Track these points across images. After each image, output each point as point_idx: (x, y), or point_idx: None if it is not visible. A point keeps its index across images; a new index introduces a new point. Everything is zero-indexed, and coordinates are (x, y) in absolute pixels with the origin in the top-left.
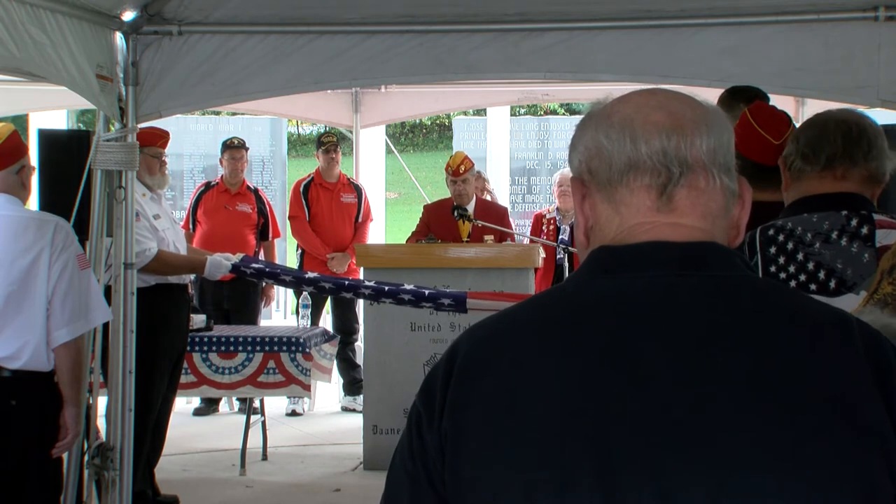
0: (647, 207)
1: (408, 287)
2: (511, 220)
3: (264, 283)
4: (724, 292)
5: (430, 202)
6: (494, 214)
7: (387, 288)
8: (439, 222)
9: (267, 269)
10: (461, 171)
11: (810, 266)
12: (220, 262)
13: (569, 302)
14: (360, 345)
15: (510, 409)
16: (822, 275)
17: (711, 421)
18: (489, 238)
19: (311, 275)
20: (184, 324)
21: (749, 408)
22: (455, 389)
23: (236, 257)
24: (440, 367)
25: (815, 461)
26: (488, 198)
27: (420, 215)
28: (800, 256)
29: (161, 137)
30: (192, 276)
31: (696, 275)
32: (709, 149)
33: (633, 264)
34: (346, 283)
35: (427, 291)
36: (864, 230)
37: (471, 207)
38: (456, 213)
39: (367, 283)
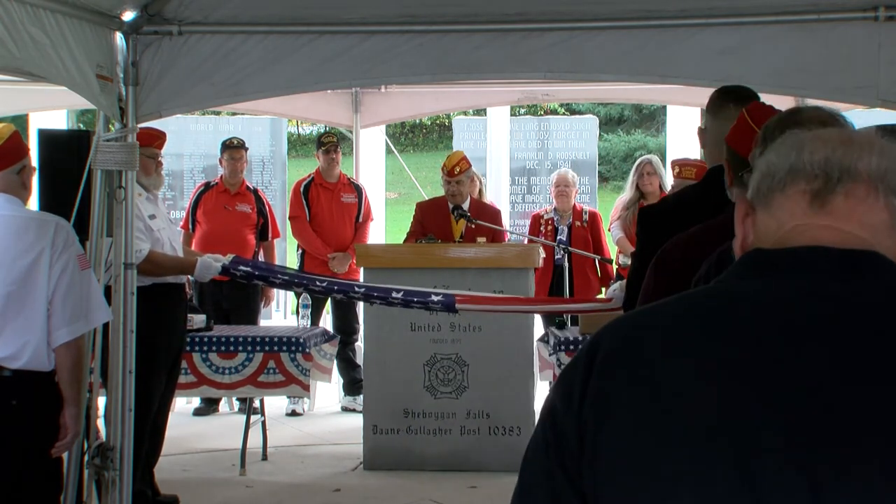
0: (801, 210)
1: (397, 294)
2: (511, 220)
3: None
4: (884, 302)
5: (422, 200)
6: (488, 215)
7: (376, 293)
8: (433, 220)
9: (256, 272)
10: (456, 172)
11: None
12: (210, 264)
13: (719, 300)
14: (360, 345)
15: (653, 403)
16: None
17: (867, 424)
18: (482, 239)
19: (301, 276)
20: (181, 323)
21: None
22: (597, 381)
23: (226, 259)
24: (580, 359)
25: None
26: (487, 200)
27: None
28: None
29: (157, 138)
30: (191, 277)
31: (855, 282)
32: (878, 167)
33: (789, 267)
34: (336, 285)
35: (416, 298)
36: None
37: (465, 208)
38: (456, 214)
39: (357, 285)
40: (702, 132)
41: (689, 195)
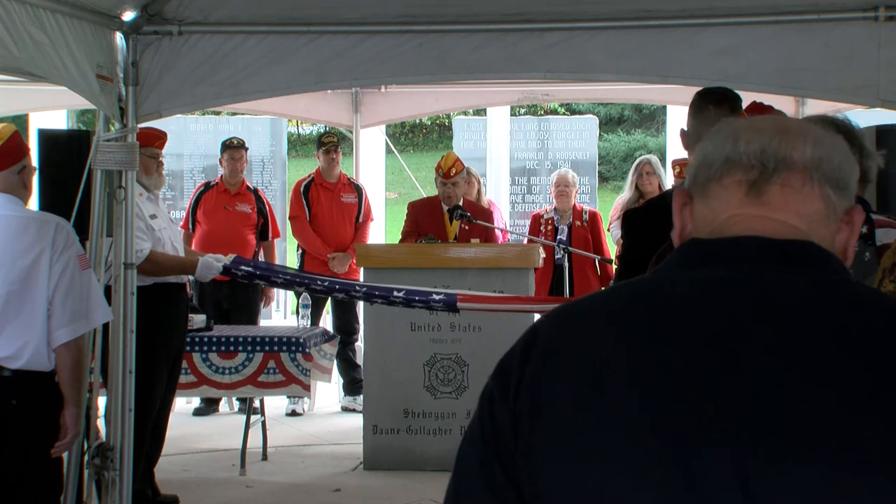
0: (737, 200)
1: (398, 293)
2: (511, 220)
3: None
4: (818, 292)
5: (414, 200)
6: (481, 215)
7: (377, 293)
8: (427, 220)
9: (258, 272)
10: (452, 174)
11: None
12: (212, 264)
13: (655, 291)
14: (360, 345)
15: (587, 395)
16: None
17: (798, 415)
18: (475, 240)
19: (302, 276)
20: (182, 323)
21: (838, 406)
22: (533, 368)
23: (228, 259)
24: (518, 347)
25: None
26: (486, 201)
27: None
28: None
29: (158, 138)
30: (192, 277)
31: (789, 272)
32: (813, 156)
33: (723, 257)
34: (338, 285)
35: (417, 297)
36: (864, 229)
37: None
38: (456, 214)
39: (358, 284)
40: (684, 134)
41: (672, 197)
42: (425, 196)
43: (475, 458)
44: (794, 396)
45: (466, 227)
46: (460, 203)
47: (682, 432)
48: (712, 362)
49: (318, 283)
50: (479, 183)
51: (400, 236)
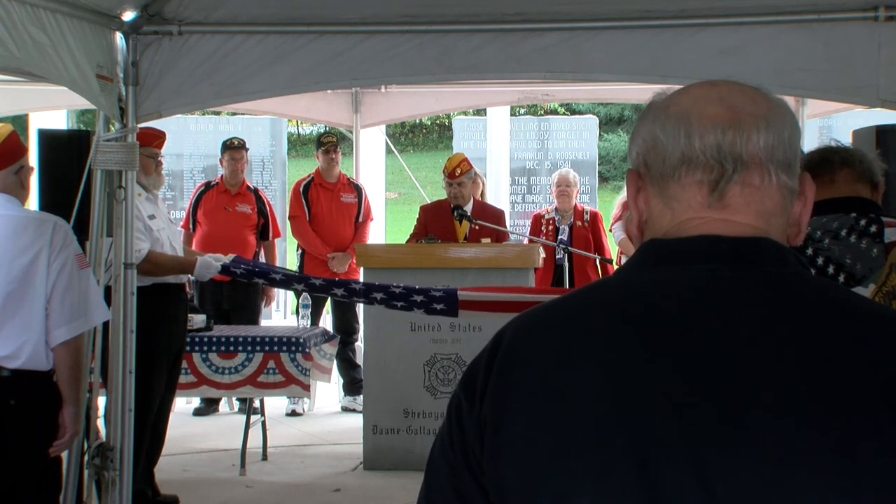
0: (698, 203)
1: (398, 290)
2: (511, 220)
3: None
4: (777, 288)
5: (426, 203)
6: (491, 216)
7: (375, 292)
8: (436, 223)
9: (257, 270)
10: (457, 174)
11: (819, 261)
12: (210, 263)
13: (616, 293)
14: (360, 345)
15: (552, 397)
16: (831, 269)
17: (758, 416)
18: (486, 240)
19: (301, 275)
20: (182, 323)
21: (800, 404)
22: (497, 377)
23: (227, 258)
24: (484, 354)
25: (865, 462)
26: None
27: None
28: (809, 252)
29: (157, 138)
30: (191, 276)
31: (747, 269)
32: (766, 145)
33: (683, 257)
34: (336, 284)
35: (419, 298)
36: (873, 228)
37: (468, 209)
38: (455, 214)
39: (356, 283)
40: None
41: None
42: (425, 195)
43: (445, 463)
44: (748, 397)
45: (476, 228)
46: (470, 204)
47: (643, 441)
48: (665, 367)
49: (317, 282)
50: (482, 184)
51: (405, 237)
